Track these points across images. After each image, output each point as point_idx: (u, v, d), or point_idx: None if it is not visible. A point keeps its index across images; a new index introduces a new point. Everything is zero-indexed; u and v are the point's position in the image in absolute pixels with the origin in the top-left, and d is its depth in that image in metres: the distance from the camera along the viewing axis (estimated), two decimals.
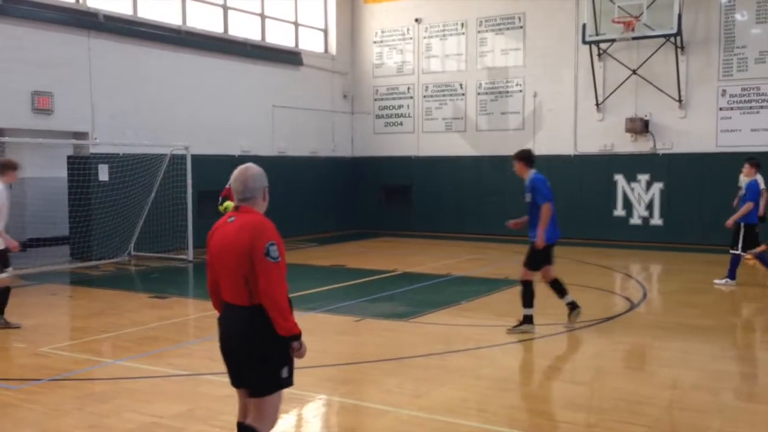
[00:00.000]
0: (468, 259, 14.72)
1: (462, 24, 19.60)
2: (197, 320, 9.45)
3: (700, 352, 7.50)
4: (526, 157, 8.14)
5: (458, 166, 19.58)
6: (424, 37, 20.19)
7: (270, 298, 3.76)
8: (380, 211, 20.82)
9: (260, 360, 3.88)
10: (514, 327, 8.08)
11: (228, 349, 4.04)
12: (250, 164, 4.06)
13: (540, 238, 7.86)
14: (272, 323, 3.79)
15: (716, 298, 10.45)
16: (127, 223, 14.57)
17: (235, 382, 4.09)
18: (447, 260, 14.54)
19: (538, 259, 8.03)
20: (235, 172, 4.00)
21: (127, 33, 15.04)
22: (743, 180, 11.72)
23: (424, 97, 20.26)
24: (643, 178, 17.31)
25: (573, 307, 8.29)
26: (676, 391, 6.23)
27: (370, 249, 17.08)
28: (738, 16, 16.24)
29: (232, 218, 3.96)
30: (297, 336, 3.86)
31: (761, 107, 16.08)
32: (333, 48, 20.77)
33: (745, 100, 16.23)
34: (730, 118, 16.37)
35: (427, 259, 14.76)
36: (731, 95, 16.35)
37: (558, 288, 8.25)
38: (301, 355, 3.94)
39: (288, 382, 4.00)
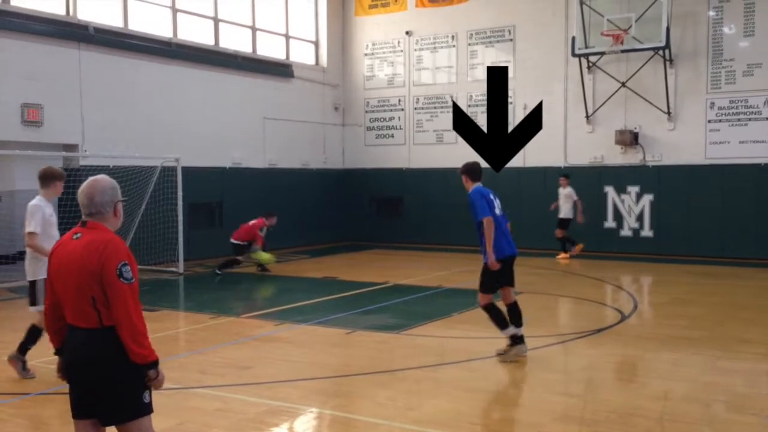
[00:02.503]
0: (459, 271, 14.72)
1: (452, 36, 19.70)
2: (188, 333, 9.40)
3: (690, 364, 7.52)
4: (468, 170, 7.70)
5: (449, 177, 19.56)
6: (415, 50, 20.27)
7: (124, 322, 3.40)
8: (372, 223, 20.82)
9: (118, 383, 3.47)
10: (503, 353, 7.50)
11: (77, 375, 3.53)
12: (100, 176, 3.68)
13: (490, 257, 7.30)
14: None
15: (706, 309, 10.48)
16: (117, 235, 14.48)
17: (84, 412, 3.56)
18: (438, 272, 14.54)
19: (491, 280, 7.43)
20: (83, 184, 3.63)
21: (117, 45, 15.04)
22: (561, 191, 16.11)
23: (415, 109, 20.32)
24: (633, 190, 17.39)
25: (515, 342, 7.49)
26: (668, 403, 6.23)
27: (362, 261, 17.06)
28: (726, 30, 16.39)
29: (78, 234, 3.56)
30: (153, 364, 3.50)
31: (749, 119, 16.21)
32: (324, 60, 20.82)
33: (733, 113, 16.36)
34: (719, 130, 16.49)
35: (419, 271, 14.76)
36: (720, 108, 16.48)
37: (513, 315, 7.53)
38: (158, 386, 3.58)
39: (150, 408, 3.61)
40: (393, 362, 7.66)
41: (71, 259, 3.50)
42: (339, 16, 21.04)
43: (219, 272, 14.14)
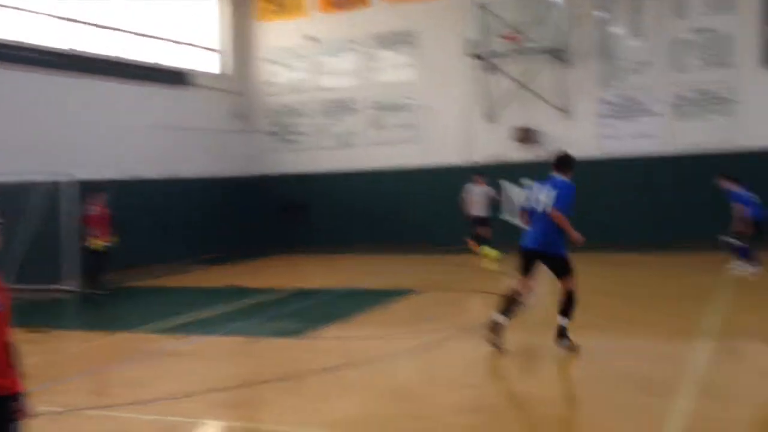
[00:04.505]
0: (363, 272, 14.71)
1: (354, 41, 19.74)
2: (81, 353, 8.96)
3: (593, 350, 7.70)
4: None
5: (355, 181, 19.61)
6: (318, 55, 20.19)
7: None
8: (278, 229, 20.55)
9: None
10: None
11: None
12: None
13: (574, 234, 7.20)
14: None
15: (603, 297, 10.81)
16: (5, 254, 13.69)
17: None
18: (342, 275, 14.50)
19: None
20: None
21: (5, 58, 14.26)
22: (474, 188, 15.09)
23: (320, 113, 20.23)
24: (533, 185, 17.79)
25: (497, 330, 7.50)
26: (567, 386, 6.37)
27: (267, 268, 16.81)
28: (615, 30, 17.08)
29: None
30: (16, 396, 3.24)
31: (639, 114, 16.93)
32: (226, 67, 20.46)
33: (623, 108, 17.05)
34: (611, 125, 17.16)
35: (323, 275, 14.68)
36: (611, 104, 17.15)
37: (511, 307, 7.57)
38: (23, 416, 3.28)
39: None
40: (298, 367, 7.53)
41: None
42: (241, 22, 20.72)
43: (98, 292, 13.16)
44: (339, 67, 19.98)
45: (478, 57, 17.56)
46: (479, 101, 18.17)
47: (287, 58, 20.51)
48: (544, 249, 7.29)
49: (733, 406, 5.56)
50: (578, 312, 7.43)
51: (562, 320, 7.33)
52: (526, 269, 7.45)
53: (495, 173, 17.58)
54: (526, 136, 17.66)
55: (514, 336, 8.26)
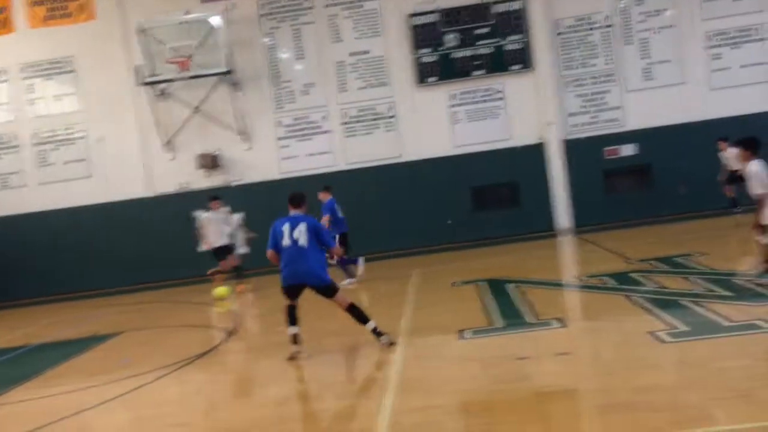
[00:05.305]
0: (47, 324, 13.38)
1: (2, 71, 17.89)
2: None
3: (292, 363, 7.91)
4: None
5: (23, 224, 17.77)
6: None
7: None
8: None
9: None
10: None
11: None
12: None
13: None
14: None
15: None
16: None
17: None
18: (24, 329, 13.02)
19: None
20: None
21: None
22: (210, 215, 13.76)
23: None
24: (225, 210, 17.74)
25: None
26: (287, 407, 6.46)
27: None
28: (281, 55, 17.79)
29: None
30: None
31: (313, 134, 17.84)
32: None
33: (298, 129, 17.84)
34: (289, 146, 17.84)
35: (2, 330, 13.02)
36: (286, 125, 17.84)
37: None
38: None
39: None
40: None
41: None
42: None
43: None
44: None
45: (147, 83, 17.03)
46: (155, 129, 17.63)
47: None
48: (319, 282, 7.80)
49: (432, 396, 6.12)
50: (279, 332, 7.57)
51: (368, 326, 7.84)
52: (296, 296, 7.94)
53: (182, 203, 17.16)
54: (209, 162, 17.56)
55: (223, 367, 8.15)
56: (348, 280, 12.63)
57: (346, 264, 12.81)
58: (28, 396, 8.02)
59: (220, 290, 13.27)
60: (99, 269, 17.53)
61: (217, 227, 13.76)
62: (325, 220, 12.49)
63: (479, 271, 12.31)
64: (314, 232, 7.87)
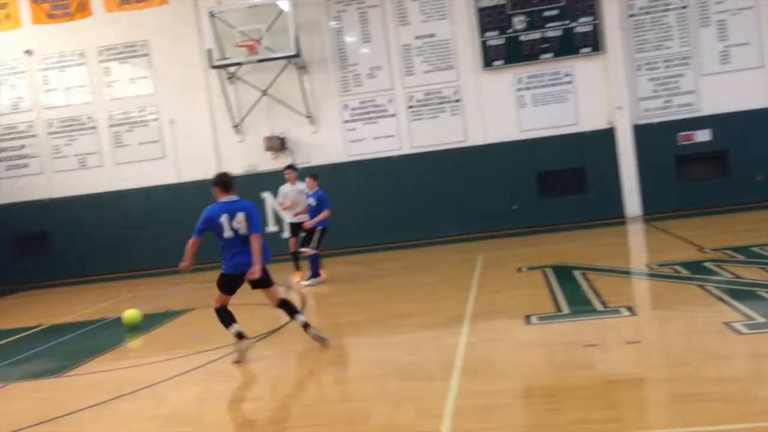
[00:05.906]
0: (124, 299, 13.87)
1: (81, 54, 18.48)
2: None
3: (359, 345, 8.02)
4: (218, 182, 7.74)
5: (100, 202, 18.42)
6: (39, 70, 18.60)
7: None
8: (14, 264, 18.63)
9: None
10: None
11: None
12: None
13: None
14: None
15: (363, 294, 11.29)
16: None
17: None
18: (100, 304, 13.54)
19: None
20: None
21: None
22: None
23: (50, 134, 18.67)
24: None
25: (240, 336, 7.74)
26: (345, 385, 6.56)
27: (9, 307, 15.15)
28: (347, 38, 17.86)
29: None
30: None
31: (379, 117, 17.88)
32: None
33: (364, 112, 17.91)
34: (355, 129, 17.93)
35: (77, 306, 13.57)
36: (352, 108, 17.92)
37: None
38: None
39: None
40: (58, 409, 6.88)
41: None
42: None
43: None
44: (66, 82, 18.60)
45: (217, 66, 17.34)
46: (224, 112, 17.97)
47: (3, 74, 18.68)
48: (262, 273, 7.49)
49: (497, 380, 6.11)
50: (340, 314, 7.67)
51: (299, 318, 7.80)
52: (235, 290, 7.75)
53: (250, 185, 17.47)
54: (277, 145, 17.80)
55: (291, 346, 8.32)
56: (312, 280, 12.37)
57: (317, 261, 12.45)
58: (106, 367, 8.36)
59: (130, 313, 10.74)
60: (171, 247, 17.90)
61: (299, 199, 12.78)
62: (325, 215, 12.13)
63: (545, 257, 12.17)
64: (251, 219, 7.55)
